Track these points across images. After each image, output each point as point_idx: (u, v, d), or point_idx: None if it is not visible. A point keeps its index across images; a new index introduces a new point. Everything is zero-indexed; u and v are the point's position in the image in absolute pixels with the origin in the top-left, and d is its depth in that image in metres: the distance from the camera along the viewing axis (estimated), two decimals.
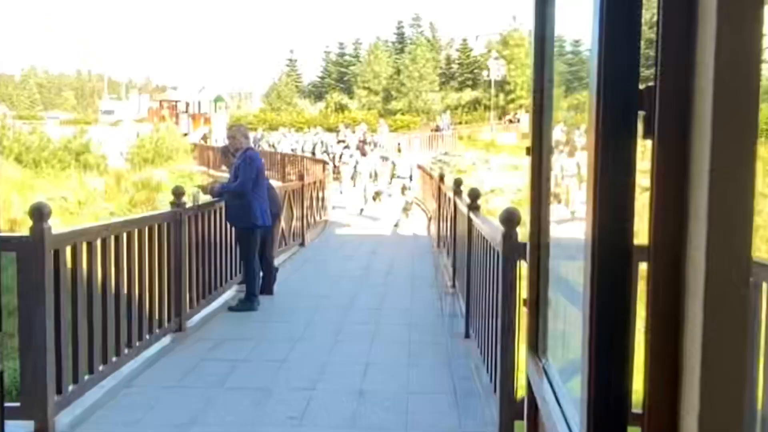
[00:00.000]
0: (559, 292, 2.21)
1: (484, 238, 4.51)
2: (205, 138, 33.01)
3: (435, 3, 77.40)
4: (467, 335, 5.47)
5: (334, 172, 19.44)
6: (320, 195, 13.06)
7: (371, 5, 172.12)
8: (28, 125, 28.96)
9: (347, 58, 57.01)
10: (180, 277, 5.61)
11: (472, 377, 4.56)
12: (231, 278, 7.14)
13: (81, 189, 22.66)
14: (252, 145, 6.74)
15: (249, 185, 6.35)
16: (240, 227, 6.56)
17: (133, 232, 4.68)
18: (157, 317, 5.16)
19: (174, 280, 5.53)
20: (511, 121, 38.12)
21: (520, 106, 41.60)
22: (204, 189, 6.92)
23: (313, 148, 21.70)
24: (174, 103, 41.76)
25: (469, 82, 49.64)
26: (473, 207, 5.46)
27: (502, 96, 41.51)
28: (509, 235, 3.50)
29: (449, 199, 9.06)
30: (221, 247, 6.75)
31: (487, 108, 40.73)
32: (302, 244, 10.83)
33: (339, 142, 22.71)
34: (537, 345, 2.26)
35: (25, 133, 24.67)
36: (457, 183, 7.68)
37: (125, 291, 4.60)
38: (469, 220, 5.44)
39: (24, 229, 12.48)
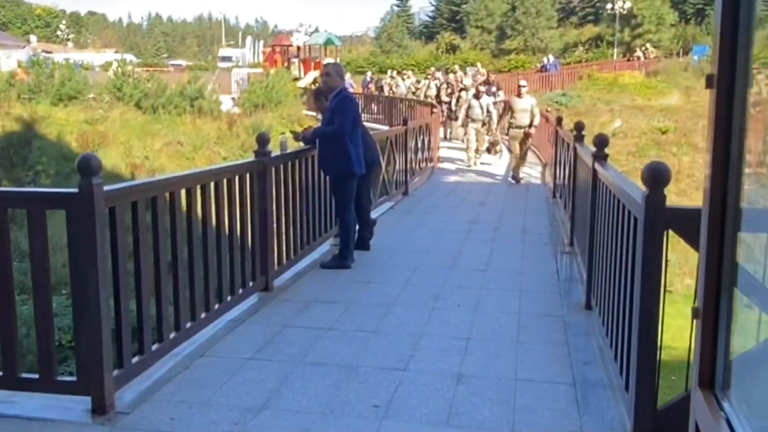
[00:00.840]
0: (758, 297, 1.44)
1: (614, 196, 3.66)
2: (315, 82, 32.89)
3: None
4: (588, 306, 4.67)
5: (449, 118, 18.41)
6: (427, 140, 12.31)
7: None
8: (148, 72, 29.91)
9: None
10: (265, 232, 5.14)
11: (595, 362, 3.80)
12: (326, 231, 6.66)
13: (195, 134, 23.19)
14: (347, 86, 6.10)
15: (347, 128, 5.76)
16: (334, 175, 6.00)
17: (208, 185, 4.21)
18: (240, 277, 4.74)
19: (259, 235, 5.08)
20: (639, 58, 35.04)
21: (648, 41, 38.30)
22: (296, 135, 6.37)
23: (438, 91, 19.71)
24: (286, 48, 41.86)
25: (591, 17, 46.29)
26: (599, 156, 4.57)
27: (627, 31, 38.32)
28: (655, 200, 2.66)
29: (568, 146, 8.08)
30: (314, 198, 6.24)
31: (610, 44, 37.82)
32: (405, 193, 10.22)
33: (448, 86, 21.48)
34: (713, 378, 1.49)
35: (144, 80, 25.44)
36: (578, 127, 6.71)
37: (201, 250, 4.17)
38: (594, 172, 4.56)
39: (142, 173, 12.71)
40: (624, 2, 36.39)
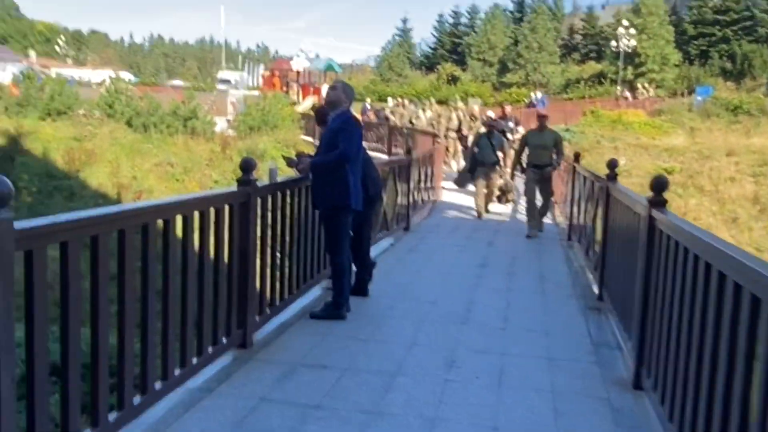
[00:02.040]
0: None
1: (695, 256, 2.82)
2: (313, 107, 32.28)
3: None
4: (638, 384, 3.79)
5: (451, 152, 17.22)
6: (430, 172, 11.50)
7: None
8: (143, 91, 29.17)
9: (461, 28, 54.67)
10: (246, 276, 4.26)
11: None
12: (318, 272, 5.78)
13: (187, 155, 22.35)
14: (351, 110, 5.23)
15: (352, 154, 4.90)
16: (327, 207, 5.12)
17: (172, 220, 3.34)
18: (210, 332, 3.85)
19: (238, 280, 4.20)
20: (636, 97, 34.67)
21: (651, 81, 37.99)
22: (290, 161, 5.51)
23: (459, 125, 17.64)
24: (286, 72, 41.40)
25: (594, 54, 46.08)
26: (658, 203, 3.73)
27: (630, 69, 37.96)
28: None
29: (592, 185, 7.27)
30: (305, 235, 5.37)
31: (613, 82, 37.43)
32: (407, 229, 9.36)
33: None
34: None
35: (137, 98, 24.66)
36: (612, 165, 5.89)
37: (159, 299, 3.29)
38: (651, 221, 3.72)
39: (128, 194, 11.70)
40: (629, 40, 36.07)
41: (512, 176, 12.58)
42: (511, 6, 51.94)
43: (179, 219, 3.45)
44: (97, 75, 49.35)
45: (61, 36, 78.44)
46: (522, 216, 10.41)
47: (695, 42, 39.68)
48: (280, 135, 24.14)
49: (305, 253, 5.43)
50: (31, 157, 21.08)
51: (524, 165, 9.88)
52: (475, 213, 11.11)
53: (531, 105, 31.75)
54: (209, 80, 69.50)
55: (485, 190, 11.13)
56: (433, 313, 5.27)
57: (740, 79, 36.75)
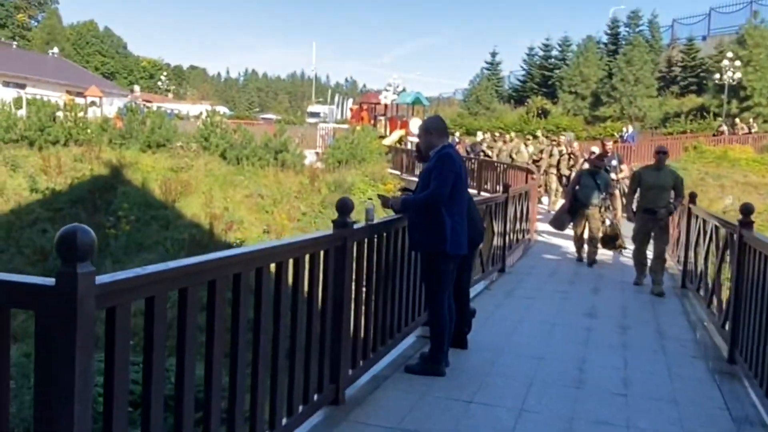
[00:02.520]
0: None
1: None
2: (401, 140, 32.26)
3: (655, 0, 69.85)
4: None
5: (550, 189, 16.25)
6: (525, 209, 10.94)
7: (581, 3, 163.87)
8: (236, 124, 30.03)
9: (552, 60, 53.68)
10: (339, 326, 3.93)
11: None
12: (413, 320, 5.39)
13: (276, 187, 22.65)
14: (450, 143, 4.84)
15: (445, 194, 4.47)
16: (425, 253, 4.75)
17: (265, 268, 3.05)
18: (301, 388, 3.52)
19: (331, 331, 3.87)
20: (734, 132, 32.64)
21: (758, 115, 35.73)
22: (385, 201, 5.19)
23: (559, 162, 16.42)
24: (374, 106, 41.79)
25: (694, 87, 43.95)
26: None
27: (735, 103, 35.88)
28: None
29: (715, 229, 6.57)
30: (401, 279, 5.01)
31: (717, 116, 35.44)
32: (502, 270, 8.85)
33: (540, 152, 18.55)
34: None
35: (231, 131, 25.33)
36: (746, 211, 5.23)
37: (249, 355, 3.00)
38: None
39: (220, 224, 11.72)
40: (734, 72, 34.15)
41: (623, 219, 10.55)
42: (605, 38, 50.54)
43: (273, 267, 3.17)
44: (195, 109, 51.67)
45: (164, 72, 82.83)
46: (628, 258, 9.61)
47: None
48: (368, 168, 24.09)
49: (401, 299, 5.06)
50: (131, 187, 21.95)
51: (634, 209, 8.44)
52: (574, 256, 10.42)
53: (621, 139, 30.13)
54: (299, 113, 71.43)
55: (587, 234, 10.01)
56: (541, 373, 4.74)
57: None
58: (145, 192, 21.87)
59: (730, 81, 34.25)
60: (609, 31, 51.03)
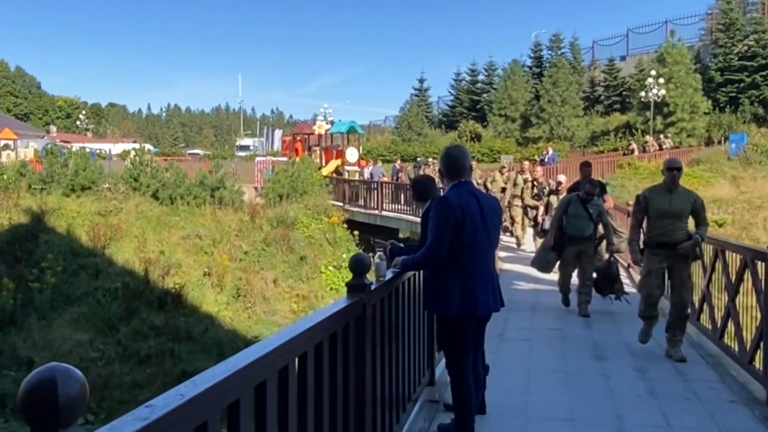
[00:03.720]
0: None
1: None
2: (337, 171, 31.60)
3: (575, 23, 72.65)
4: None
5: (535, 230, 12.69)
6: None
7: (502, 28, 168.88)
8: (167, 161, 28.67)
9: (479, 85, 54.50)
10: (362, 411, 3.17)
11: None
12: (419, 383, 4.66)
13: (215, 226, 21.50)
14: (464, 180, 4.07)
15: (440, 250, 3.76)
16: (436, 315, 4.07)
17: (290, 367, 2.27)
18: None
19: (354, 418, 3.10)
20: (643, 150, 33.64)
21: (681, 130, 37.03)
22: (383, 248, 4.44)
23: (522, 192, 14.52)
24: (307, 136, 41.03)
25: (617, 105, 45.38)
26: None
27: (660, 119, 37.10)
28: None
29: (723, 254, 6.13)
30: (410, 338, 4.28)
31: (644, 132, 36.48)
32: None
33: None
34: None
35: (162, 169, 24.03)
36: None
37: None
38: None
39: (156, 269, 10.58)
40: (658, 90, 35.31)
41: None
42: (529, 61, 51.69)
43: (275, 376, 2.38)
44: (118, 147, 49.43)
45: (82, 110, 79.55)
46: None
47: (723, 89, 38.83)
48: (310, 201, 23.26)
49: (411, 361, 4.32)
50: (55, 235, 20.34)
51: (641, 245, 6.42)
52: (545, 282, 9.85)
53: (542, 162, 28.69)
54: (227, 147, 69.86)
55: (578, 278, 8.33)
56: None
57: None
58: (71, 239, 20.30)
59: (655, 98, 35.36)
60: (532, 54, 52.25)
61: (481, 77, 54.61)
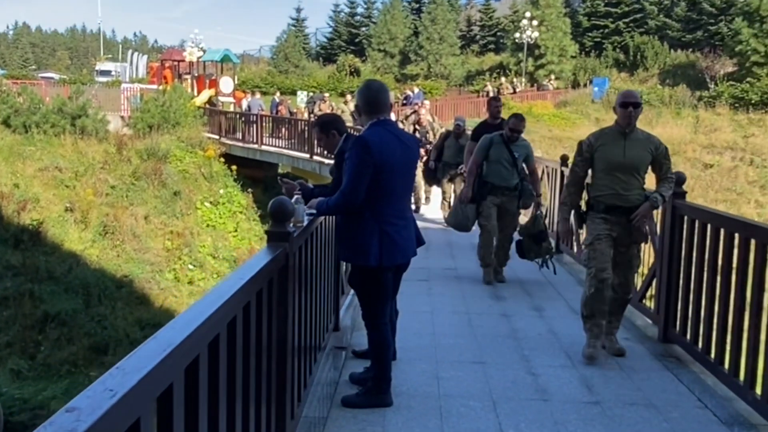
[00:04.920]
0: None
1: None
2: (210, 101, 30.01)
3: None
4: None
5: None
6: None
7: None
8: (20, 85, 25.85)
9: (358, 18, 53.53)
10: (284, 370, 2.91)
11: None
12: (326, 330, 4.46)
13: (77, 158, 19.81)
14: (385, 119, 3.76)
15: (356, 197, 3.43)
16: (351, 265, 3.84)
17: (221, 337, 1.95)
18: None
19: (276, 378, 2.83)
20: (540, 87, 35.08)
21: (550, 72, 38.57)
22: (288, 187, 4.11)
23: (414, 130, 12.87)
24: (177, 63, 38.49)
25: (492, 46, 46.36)
26: None
27: (531, 61, 38.35)
28: None
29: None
30: (319, 286, 4.04)
31: (517, 73, 37.63)
32: None
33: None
34: None
35: (15, 94, 21.63)
36: (680, 181, 4.90)
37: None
38: None
39: (10, 204, 9.48)
40: (532, 32, 36.32)
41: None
42: None
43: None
44: None
45: None
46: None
47: (590, 34, 40.70)
48: (184, 133, 21.98)
49: (321, 310, 4.09)
50: None
51: (584, 208, 4.85)
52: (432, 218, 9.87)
53: (406, 102, 27.08)
54: (85, 71, 64.40)
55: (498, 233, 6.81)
56: (495, 385, 4.07)
57: (633, 71, 38.05)
58: None
59: (528, 40, 36.38)
60: None
61: (360, 10, 53.66)
